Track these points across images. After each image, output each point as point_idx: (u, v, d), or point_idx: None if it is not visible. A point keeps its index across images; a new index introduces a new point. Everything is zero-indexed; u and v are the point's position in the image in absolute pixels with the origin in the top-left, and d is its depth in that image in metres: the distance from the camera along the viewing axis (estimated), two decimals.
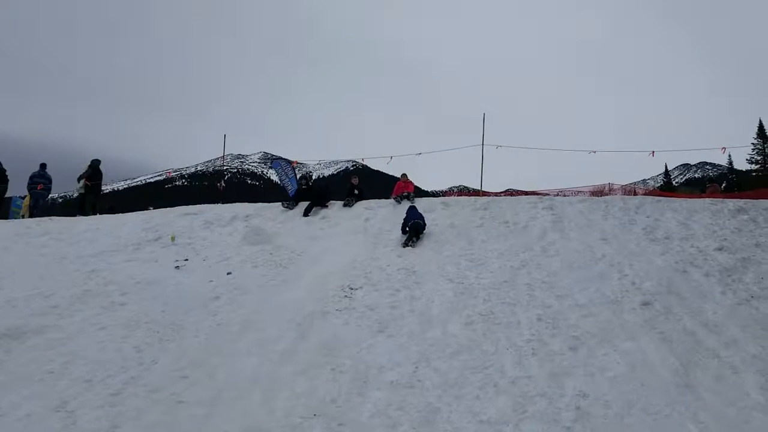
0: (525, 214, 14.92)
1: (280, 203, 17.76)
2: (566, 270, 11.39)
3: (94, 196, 19.85)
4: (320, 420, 6.74)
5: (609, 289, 10.38)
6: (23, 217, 20.25)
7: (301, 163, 27.27)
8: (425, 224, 14.26)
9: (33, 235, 14.96)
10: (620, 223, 13.85)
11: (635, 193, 22.06)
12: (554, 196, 18.76)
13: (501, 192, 23.86)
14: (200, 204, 18.24)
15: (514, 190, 24.49)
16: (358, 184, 17.85)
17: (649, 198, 16.05)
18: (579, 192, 22.79)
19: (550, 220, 14.30)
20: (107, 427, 6.54)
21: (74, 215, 18.47)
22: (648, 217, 14.08)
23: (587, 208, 15.09)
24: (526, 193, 19.50)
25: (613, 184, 25.32)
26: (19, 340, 8.80)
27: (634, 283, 10.49)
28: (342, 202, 17.48)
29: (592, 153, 24.27)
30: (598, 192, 22.43)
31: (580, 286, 10.56)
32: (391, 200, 17.54)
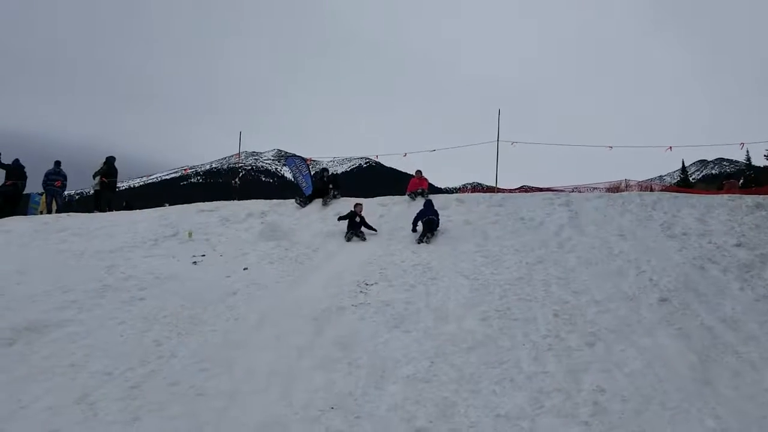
0: (541, 210, 14.90)
1: (293, 200, 17.88)
2: (583, 266, 11.36)
3: (110, 193, 20.02)
4: (338, 413, 6.79)
5: (626, 285, 10.35)
6: (41, 213, 20.48)
7: (314, 161, 27.35)
8: (439, 220, 14.26)
9: (51, 231, 15.15)
10: (637, 219, 13.80)
11: (652, 190, 21.90)
12: (570, 192, 18.70)
13: (516, 189, 23.80)
14: (216, 201, 18.36)
15: (528, 187, 24.40)
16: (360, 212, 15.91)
17: (667, 194, 15.97)
18: (595, 188, 22.67)
19: (566, 216, 14.26)
20: (128, 419, 6.62)
21: (91, 211, 18.66)
22: (665, 213, 14.01)
23: (604, 204, 15.04)
24: (541, 190, 19.42)
25: (629, 180, 25.15)
26: (40, 333, 8.91)
27: (651, 280, 10.45)
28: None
29: (609, 149, 24.15)
30: (615, 188, 22.27)
31: (597, 283, 10.54)
32: (406, 197, 17.58)
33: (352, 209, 15.00)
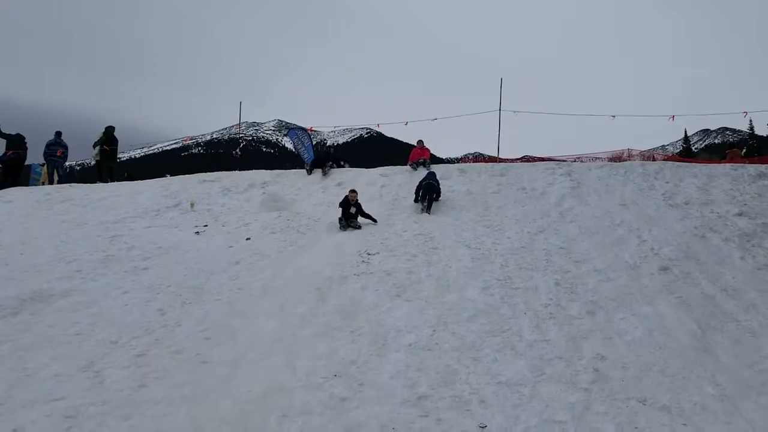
0: (542, 180, 14.87)
1: (294, 170, 17.93)
2: (584, 236, 11.39)
3: (111, 162, 19.98)
4: (341, 380, 6.87)
5: (627, 254, 10.39)
6: (43, 184, 20.47)
7: (315, 131, 27.19)
8: (440, 189, 14.22)
9: (54, 201, 15.16)
10: (639, 189, 13.79)
11: (654, 159, 21.85)
12: (572, 162, 18.65)
13: (518, 159, 23.73)
14: (217, 171, 18.34)
15: (530, 157, 24.33)
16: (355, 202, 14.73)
17: (669, 163, 15.93)
18: (597, 158, 22.61)
19: (568, 186, 14.24)
20: (134, 386, 6.70)
21: (93, 182, 18.65)
22: (667, 182, 14.00)
23: (606, 173, 15.02)
24: (543, 160, 19.36)
25: (632, 149, 25.06)
26: (45, 303, 8.99)
27: (652, 249, 10.48)
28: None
29: (611, 118, 24.04)
30: (617, 158, 22.22)
31: (598, 252, 10.58)
32: (407, 167, 17.54)
33: (346, 195, 13.63)
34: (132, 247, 11.57)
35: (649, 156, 25.79)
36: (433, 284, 9.66)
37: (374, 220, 13.33)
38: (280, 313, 8.76)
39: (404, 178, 16.33)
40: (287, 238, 12.46)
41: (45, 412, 6.04)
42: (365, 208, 13.44)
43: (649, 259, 10.14)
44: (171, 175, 20.27)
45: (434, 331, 8.12)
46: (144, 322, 8.43)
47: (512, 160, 21.90)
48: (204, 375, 7.02)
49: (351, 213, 13.34)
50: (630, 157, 23.41)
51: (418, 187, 14.31)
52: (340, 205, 13.54)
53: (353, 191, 13.64)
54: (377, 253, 11.18)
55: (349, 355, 7.52)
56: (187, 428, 5.88)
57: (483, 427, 5.90)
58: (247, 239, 12.41)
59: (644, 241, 10.87)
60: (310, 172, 17.75)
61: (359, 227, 13.06)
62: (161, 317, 8.62)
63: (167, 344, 7.80)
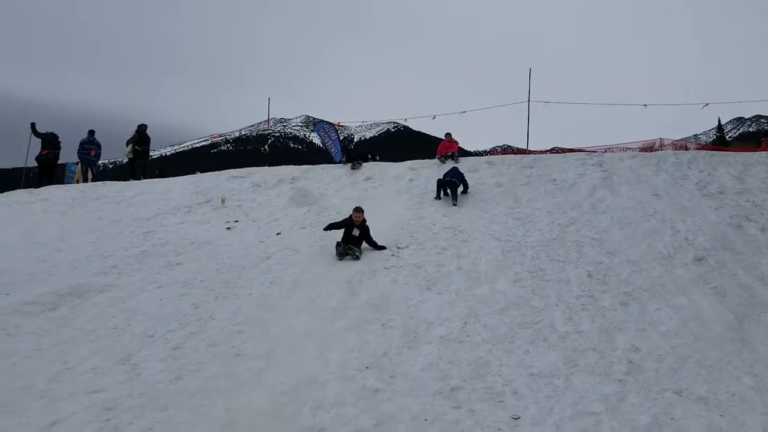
0: (573, 171, 14.72)
1: (322, 165, 18.08)
2: (617, 227, 11.26)
3: (143, 160, 20.29)
4: (373, 372, 6.90)
5: (661, 244, 10.24)
6: (78, 182, 20.88)
7: (342, 125, 27.26)
8: (466, 183, 14.13)
9: (88, 199, 15.48)
10: (672, 179, 13.56)
11: (686, 149, 21.44)
12: (603, 153, 18.41)
13: (546, 150, 23.50)
14: (246, 167, 18.52)
15: (560, 149, 24.07)
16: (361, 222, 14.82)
17: (702, 152, 15.63)
18: (628, 148, 22.27)
19: (599, 176, 14.07)
20: (170, 379, 6.82)
21: (126, 180, 18.99)
22: (701, 171, 13.74)
23: (638, 163, 14.80)
24: (573, 151, 19.13)
25: (664, 139, 24.62)
26: (82, 298, 9.19)
27: (687, 239, 10.32)
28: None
29: (644, 107, 23.71)
30: (649, 148, 21.84)
31: (630, 243, 10.45)
32: (436, 160, 17.49)
33: (350, 215, 11.41)
34: (165, 243, 11.77)
35: (681, 145, 25.30)
36: (464, 277, 9.64)
37: (383, 247, 11.15)
38: (311, 307, 8.83)
39: (433, 172, 16.29)
40: (317, 232, 12.53)
41: (85, 404, 6.19)
42: (393, 202, 13.26)
43: (683, 249, 9.98)
44: (201, 172, 20.52)
45: (465, 323, 8.11)
46: (179, 316, 8.57)
47: (542, 152, 21.70)
48: (238, 368, 7.12)
49: (354, 236, 11.15)
50: (662, 146, 22.99)
51: (438, 182, 14.25)
52: (341, 225, 11.38)
53: (359, 210, 11.38)
54: (407, 246, 11.19)
55: (380, 347, 7.55)
56: (222, 419, 5.97)
57: (516, 419, 5.89)
58: (278, 234, 12.52)
59: (678, 231, 10.70)
60: (345, 162, 18.12)
61: (358, 256, 10.81)
62: (195, 311, 8.75)
63: (202, 338, 7.93)
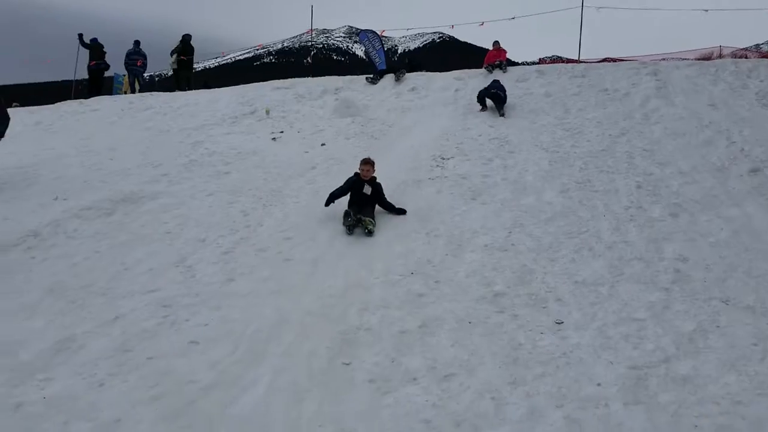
0: (626, 80, 14.18)
1: (365, 76, 17.70)
2: (669, 138, 10.92)
3: (187, 71, 20.34)
4: (418, 277, 7.03)
5: (715, 156, 9.93)
6: (125, 93, 21.15)
7: (386, 36, 26.59)
8: (505, 95, 13.74)
9: (137, 109, 15.70)
10: (731, 88, 12.96)
11: (747, 58, 20.35)
12: (657, 62, 17.62)
13: (598, 60, 22.61)
14: (290, 79, 18.40)
15: (612, 59, 23.13)
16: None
17: (765, 61, 14.82)
18: (684, 58, 21.26)
19: (653, 86, 13.54)
20: (223, 280, 7.08)
21: (171, 91, 19.13)
22: (762, 81, 13.08)
23: (695, 72, 14.15)
24: (626, 60, 18.36)
25: (723, 47, 23.37)
26: (136, 204, 9.46)
27: (742, 150, 9.97)
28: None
29: (704, 12, 22.44)
30: (706, 57, 20.81)
31: (683, 154, 10.15)
32: (483, 70, 17.04)
33: (356, 172, 9.11)
34: (213, 153, 11.94)
35: (741, 55, 24.03)
36: (510, 187, 9.58)
37: (402, 211, 8.95)
38: None
39: (479, 82, 15.90)
40: (361, 143, 12.53)
41: (144, 302, 6.49)
42: (438, 113, 13.05)
43: (738, 160, 9.66)
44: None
45: (510, 233, 8.12)
46: (228, 222, 8.79)
47: (594, 62, 20.89)
48: (287, 271, 7.34)
49: (365, 196, 8.83)
50: (720, 56, 21.88)
51: (479, 93, 13.88)
52: (346, 188, 8.98)
53: (367, 162, 9.07)
54: (452, 157, 11.11)
55: (424, 255, 7.65)
56: (273, 318, 6.21)
57: (559, 323, 5.97)
58: (322, 145, 12.56)
59: (734, 142, 10.32)
60: (374, 81, 17.16)
61: (372, 230, 8.37)
62: (244, 218, 8.96)
63: (251, 243, 8.14)
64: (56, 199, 9.44)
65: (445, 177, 10.21)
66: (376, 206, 8.97)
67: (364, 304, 6.47)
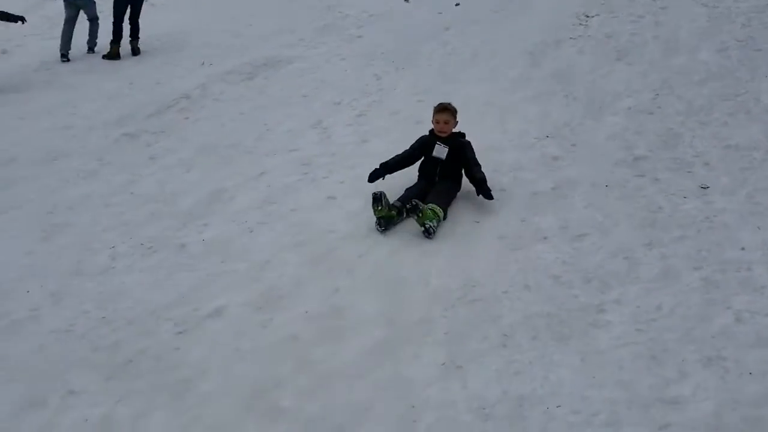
0: None
1: None
2: None
3: None
4: (553, 140, 6.82)
5: None
6: None
7: None
8: None
9: None
10: None
11: None
12: None
13: None
14: None
15: None
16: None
17: None
18: None
19: None
20: (357, 141, 7.24)
21: None
22: None
23: None
24: None
25: None
26: (274, 68, 9.78)
27: None
28: None
29: None
30: None
31: None
32: None
33: (431, 129, 5.99)
34: (346, 16, 11.90)
35: None
36: (660, 46, 8.84)
37: (488, 196, 5.54)
38: (491, 77, 8.68)
39: None
40: (498, 2, 11.90)
41: (286, 160, 6.86)
42: None
43: None
44: None
45: (657, 95, 7.58)
46: (362, 85, 8.86)
47: None
48: (419, 132, 7.37)
49: (439, 162, 5.75)
50: None
51: None
52: (411, 154, 5.98)
53: (443, 109, 5.91)
54: (597, 14, 10.34)
55: (561, 118, 7.35)
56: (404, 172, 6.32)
57: (705, 188, 5.63)
58: (457, 5, 12.09)
59: None
60: None
61: (430, 226, 5.16)
62: (377, 81, 8.98)
63: (384, 106, 8.20)
64: (203, 64, 9.95)
65: (589, 36, 9.59)
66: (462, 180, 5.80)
67: (496, 165, 6.37)
